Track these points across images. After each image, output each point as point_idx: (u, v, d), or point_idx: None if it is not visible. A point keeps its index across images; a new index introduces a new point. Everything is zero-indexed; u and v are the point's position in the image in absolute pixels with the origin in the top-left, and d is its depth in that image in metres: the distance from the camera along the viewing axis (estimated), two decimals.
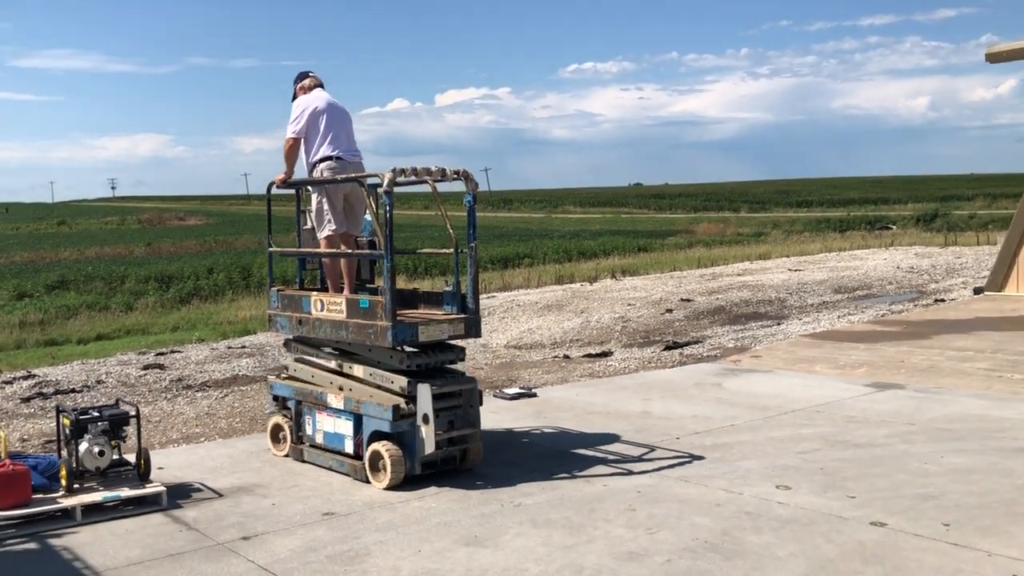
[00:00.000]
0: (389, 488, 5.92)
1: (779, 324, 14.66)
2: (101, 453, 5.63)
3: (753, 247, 40.59)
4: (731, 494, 5.69)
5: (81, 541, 5.08)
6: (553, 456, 6.78)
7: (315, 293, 6.82)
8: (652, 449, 6.89)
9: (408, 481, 5.99)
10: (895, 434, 7.17)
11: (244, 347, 14.80)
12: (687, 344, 13.00)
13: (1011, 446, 6.70)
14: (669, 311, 16.88)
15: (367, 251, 6.98)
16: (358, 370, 6.43)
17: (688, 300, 18.27)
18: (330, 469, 6.44)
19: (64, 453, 5.72)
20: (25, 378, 12.01)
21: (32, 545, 5.06)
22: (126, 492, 5.59)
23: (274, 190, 7.13)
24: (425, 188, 6.63)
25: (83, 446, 5.61)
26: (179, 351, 14.65)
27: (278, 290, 7.06)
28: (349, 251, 6.90)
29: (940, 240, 37.00)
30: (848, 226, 59.59)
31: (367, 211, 6.86)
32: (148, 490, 5.64)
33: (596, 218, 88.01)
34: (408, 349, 6.23)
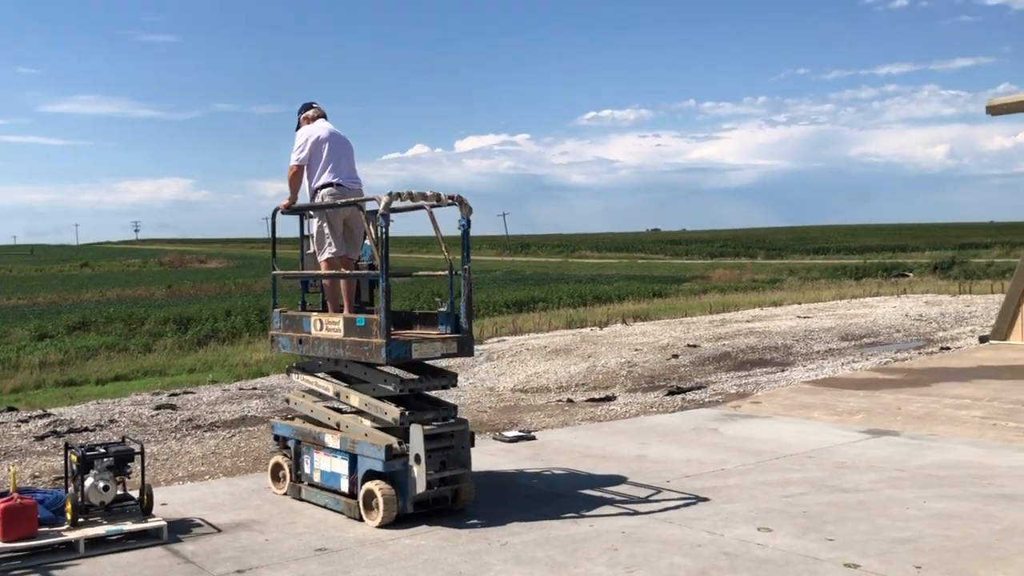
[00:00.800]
0: (381, 526, 6.11)
1: (783, 371, 14.78)
2: (106, 488, 5.87)
3: (768, 294, 40.63)
4: (713, 535, 5.84)
5: (83, 573, 5.30)
6: (544, 497, 6.95)
7: (315, 313, 7.11)
8: (642, 491, 7.05)
9: (400, 519, 6.18)
10: (882, 480, 7.30)
11: (255, 389, 15.07)
12: (690, 389, 13.15)
13: (995, 493, 6.81)
14: (675, 356, 17.03)
15: (365, 272, 7.22)
16: (355, 399, 6.67)
17: (695, 346, 18.41)
18: (326, 507, 6.64)
19: (71, 488, 5.96)
20: (41, 417, 12.31)
21: None
22: (128, 526, 5.82)
23: (279, 216, 7.44)
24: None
25: (88, 481, 5.85)
26: (192, 392, 14.93)
27: (280, 311, 7.34)
28: (348, 272, 7.18)
29: (955, 288, 36.95)
30: (864, 273, 59.54)
31: (366, 236, 7.16)
32: (149, 524, 5.87)
33: (613, 263, 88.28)
34: (403, 375, 6.45)
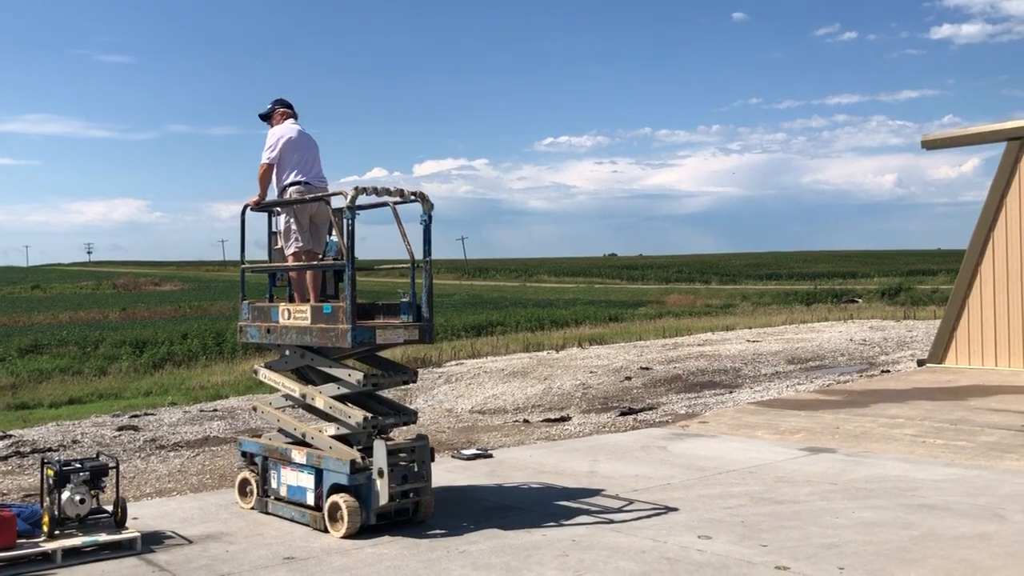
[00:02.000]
0: (346, 536, 6.47)
1: (731, 392, 15.35)
2: (82, 501, 6.16)
3: (720, 318, 41.46)
4: (656, 542, 6.29)
5: None
6: (500, 510, 7.35)
7: (283, 304, 7.48)
8: (592, 504, 7.48)
9: (364, 530, 6.54)
10: (816, 492, 7.82)
11: (216, 410, 15.25)
12: (642, 410, 13.62)
13: (917, 503, 7.36)
14: (628, 379, 17.53)
15: (330, 262, 7.55)
16: (320, 401, 7.05)
17: (648, 368, 18.94)
18: (292, 520, 6.97)
19: (47, 501, 6.23)
20: (1, 438, 12.40)
21: None
22: (103, 537, 6.11)
23: (248, 213, 7.77)
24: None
25: (65, 494, 6.13)
26: (152, 414, 15.07)
27: (249, 303, 7.69)
28: (315, 263, 7.53)
29: (901, 314, 38.09)
30: (815, 299, 60.83)
31: (330, 233, 7.54)
32: (124, 536, 6.17)
33: (570, 287, 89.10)
34: (366, 371, 6.87)
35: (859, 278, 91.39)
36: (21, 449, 11.25)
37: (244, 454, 7.56)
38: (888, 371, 17.39)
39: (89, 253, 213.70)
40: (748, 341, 25.12)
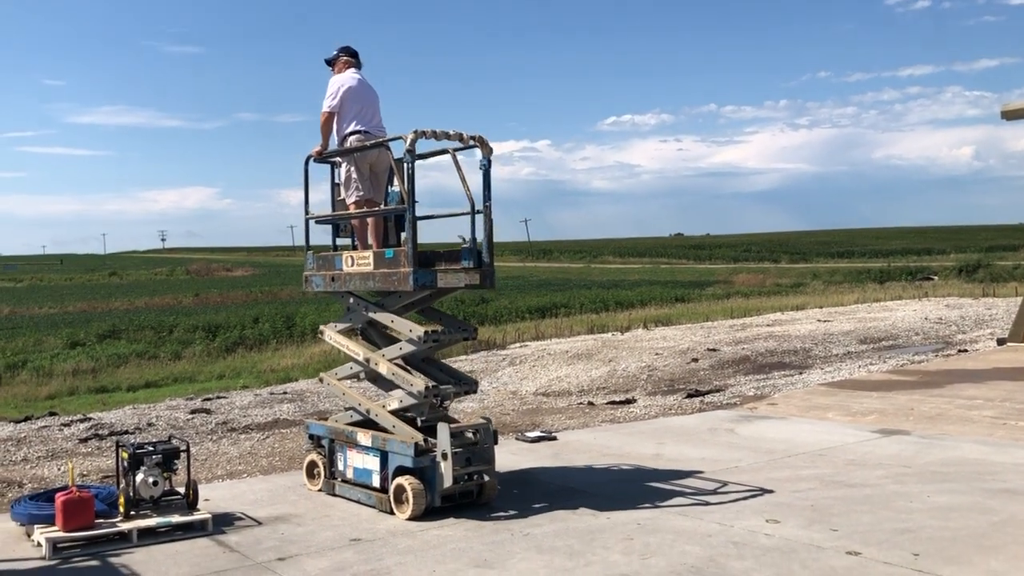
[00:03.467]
0: (411, 519, 6.51)
1: (801, 373, 15.06)
2: (155, 483, 6.31)
3: (790, 298, 40.75)
4: (723, 526, 6.19)
5: (137, 560, 5.74)
6: (564, 492, 7.32)
7: (346, 252, 7.57)
8: (657, 487, 7.40)
9: (429, 512, 6.57)
10: (889, 476, 7.61)
11: (285, 393, 15.54)
12: (708, 392, 13.46)
13: (997, 487, 7.10)
14: (695, 360, 17.33)
15: (391, 207, 7.56)
16: (383, 366, 7.11)
17: (715, 350, 18.70)
18: (359, 502, 7.05)
19: (122, 483, 6.40)
20: (81, 421, 12.84)
21: (94, 563, 5.72)
22: (176, 518, 6.26)
23: (311, 164, 7.84)
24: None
25: (139, 476, 6.29)
26: (224, 397, 15.42)
27: (313, 253, 7.80)
28: (376, 209, 7.58)
29: (979, 291, 36.93)
30: (888, 277, 59.38)
31: (391, 182, 7.58)
32: (196, 517, 6.30)
33: (636, 268, 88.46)
34: (429, 329, 6.95)
35: (935, 255, 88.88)
36: (100, 432, 11.62)
37: (311, 437, 7.66)
38: (965, 350, 16.86)
39: (163, 240, 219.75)
40: (819, 321, 24.63)
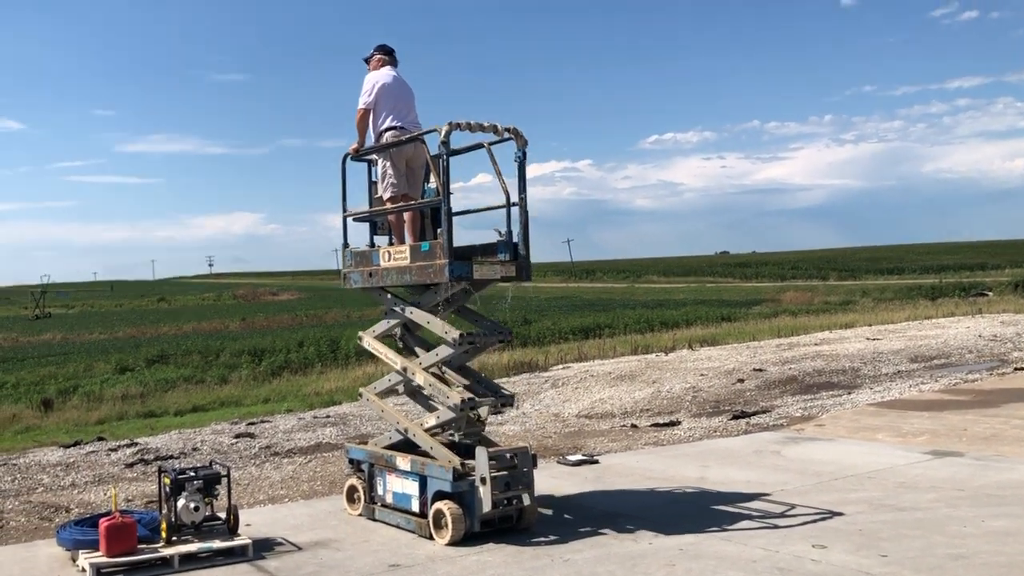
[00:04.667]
0: (451, 544, 6.46)
1: (849, 393, 14.74)
2: (196, 508, 6.34)
3: (839, 316, 40.01)
4: (768, 552, 6.05)
5: None
6: (606, 517, 7.22)
7: (383, 247, 7.59)
8: (701, 510, 7.27)
9: (468, 538, 6.52)
10: (941, 499, 7.39)
11: (328, 417, 15.60)
12: (755, 414, 13.23)
13: None
14: (741, 381, 17.07)
15: (427, 200, 7.55)
16: (420, 377, 7.13)
17: (761, 370, 18.41)
18: (398, 527, 7.02)
19: (164, 508, 6.44)
20: (128, 446, 12.99)
21: None
22: (217, 544, 6.28)
23: (348, 161, 7.89)
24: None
25: (181, 502, 6.33)
26: (268, 421, 15.52)
27: (351, 250, 7.86)
28: (412, 203, 7.59)
29: None
30: (940, 293, 58.12)
31: (427, 178, 7.59)
32: (236, 542, 6.32)
33: (681, 287, 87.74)
34: (464, 333, 6.95)
35: (989, 270, 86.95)
36: (145, 457, 11.75)
37: (351, 461, 7.66)
38: (1021, 369, 16.39)
39: (211, 266, 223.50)
40: (868, 339, 24.15)
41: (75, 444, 14.08)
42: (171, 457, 11.67)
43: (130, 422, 21.05)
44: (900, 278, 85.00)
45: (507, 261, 7.08)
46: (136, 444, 13.12)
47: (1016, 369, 16.49)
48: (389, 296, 7.65)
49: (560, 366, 22.62)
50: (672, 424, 12.87)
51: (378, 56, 7.98)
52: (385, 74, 7.81)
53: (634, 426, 12.91)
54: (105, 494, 9.32)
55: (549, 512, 7.29)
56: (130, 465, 11.23)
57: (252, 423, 15.27)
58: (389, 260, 7.38)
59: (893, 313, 38.55)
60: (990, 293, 55.65)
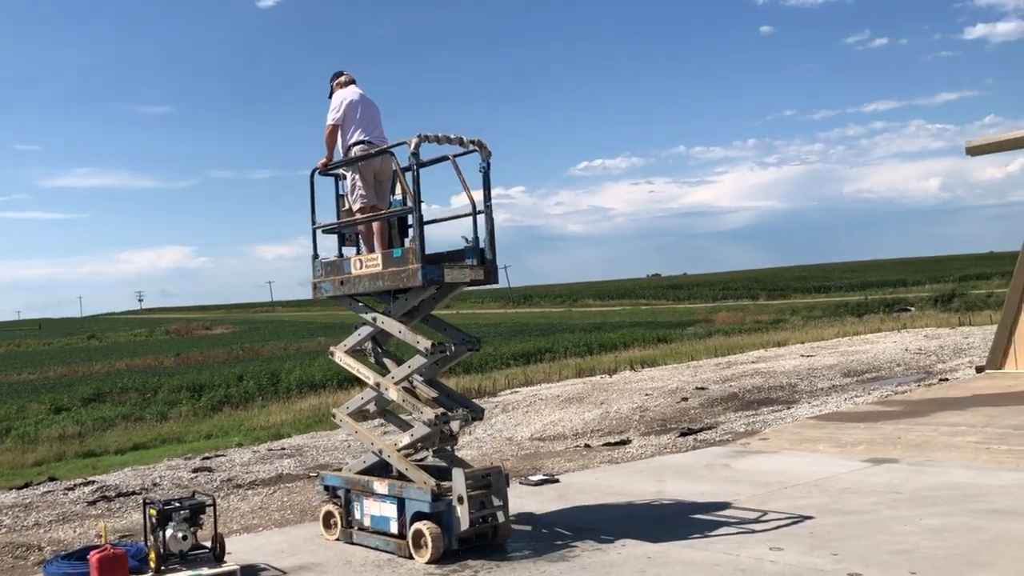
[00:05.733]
0: (430, 562, 6.77)
1: (789, 408, 15.42)
2: (184, 538, 6.54)
3: (771, 334, 41.20)
4: (729, 555, 6.50)
5: None
6: (574, 531, 7.60)
7: (354, 256, 7.89)
8: (662, 522, 7.71)
9: (446, 555, 6.84)
10: (882, 502, 7.96)
11: (283, 449, 15.69)
12: (701, 430, 13.78)
13: (984, 508, 7.47)
14: (685, 399, 17.67)
15: (399, 209, 7.90)
16: (392, 392, 7.43)
17: (703, 388, 19.05)
18: (376, 548, 7.30)
19: (151, 539, 6.62)
20: (84, 484, 12.93)
21: None
22: (206, 571, 6.47)
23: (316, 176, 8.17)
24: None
25: (168, 531, 6.52)
26: (223, 455, 15.54)
27: (321, 260, 8.14)
28: (382, 212, 7.95)
29: (955, 321, 37.61)
30: (866, 309, 60.19)
31: (396, 189, 7.96)
32: (224, 568, 6.53)
33: (616, 310, 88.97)
34: (436, 343, 7.28)
35: (910, 286, 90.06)
36: (107, 494, 11.75)
37: (327, 488, 7.92)
38: (946, 379, 17.32)
39: (140, 301, 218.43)
40: (802, 356, 25.08)
41: (26, 485, 13.94)
42: (133, 493, 11.70)
43: (70, 462, 20.65)
44: (827, 296, 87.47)
45: (475, 266, 7.45)
46: (93, 482, 13.07)
47: (941, 380, 17.42)
48: (360, 304, 7.94)
49: (508, 391, 22.98)
50: (623, 443, 13.33)
51: (343, 77, 8.36)
52: (351, 91, 8.20)
53: (587, 446, 13.34)
54: (75, 531, 9.38)
55: (520, 529, 7.64)
56: (92, 503, 11.23)
57: (207, 457, 15.29)
58: (361, 268, 7.67)
59: (823, 330, 39.85)
60: (913, 308, 57.81)
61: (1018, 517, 7.08)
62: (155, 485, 12.33)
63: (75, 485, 12.97)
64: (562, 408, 17.93)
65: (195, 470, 13.56)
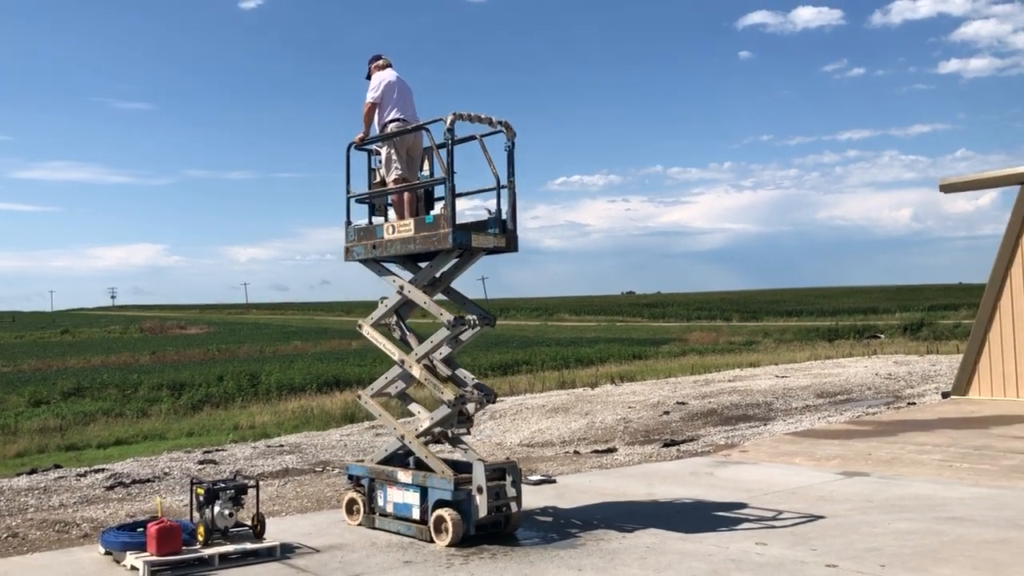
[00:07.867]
0: (450, 545, 7.48)
1: (766, 424, 16.28)
2: (230, 515, 7.22)
3: (745, 355, 42.24)
4: (719, 547, 7.28)
5: None
6: (577, 523, 8.35)
7: (386, 221, 8.54)
8: (657, 518, 8.47)
9: (464, 540, 7.55)
10: (855, 508, 8.78)
11: (282, 446, 16.30)
12: (683, 441, 14.58)
13: (945, 516, 8.31)
14: (667, 413, 18.48)
15: (432, 179, 8.58)
16: (416, 370, 8.12)
17: (683, 403, 19.89)
18: (398, 533, 8.00)
19: (197, 516, 7.28)
20: (96, 471, 13.49)
21: None
22: (250, 545, 7.17)
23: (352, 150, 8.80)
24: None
25: (216, 509, 7.20)
26: (224, 450, 16.12)
27: (354, 226, 8.80)
28: (415, 183, 8.63)
29: (923, 349, 38.84)
30: (837, 335, 61.49)
31: (424, 166, 8.66)
32: (266, 544, 7.22)
33: (591, 326, 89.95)
34: (457, 316, 7.99)
35: (880, 313, 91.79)
36: (123, 480, 12.32)
37: (351, 477, 8.60)
38: (914, 403, 18.26)
39: (113, 297, 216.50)
40: (776, 377, 26.01)
41: (32, 472, 14.46)
42: (148, 480, 12.29)
43: (52, 455, 20.95)
44: (799, 320, 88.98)
45: (498, 234, 8.15)
46: (103, 470, 13.63)
47: (909, 403, 18.36)
48: (389, 273, 8.61)
49: None
50: (610, 451, 14.10)
51: (376, 63, 9.07)
52: (389, 73, 8.93)
53: (576, 452, 14.08)
54: (105, 511, 9.98)
55: (527, 521, 8.36)
56: (110, 488, 11.80)
57: (208, 451, 15.87)
58: (393, 233, 8.35)
59: (796, 353, 40.97)
60: (882, 336, 59.21)
61: (975, 523, 7.91)
62: (166, 474, 12.91)
63: (86, 472, 13.52)
64: (548, 417, 18.68)
65: (200, 462, 14.15)
